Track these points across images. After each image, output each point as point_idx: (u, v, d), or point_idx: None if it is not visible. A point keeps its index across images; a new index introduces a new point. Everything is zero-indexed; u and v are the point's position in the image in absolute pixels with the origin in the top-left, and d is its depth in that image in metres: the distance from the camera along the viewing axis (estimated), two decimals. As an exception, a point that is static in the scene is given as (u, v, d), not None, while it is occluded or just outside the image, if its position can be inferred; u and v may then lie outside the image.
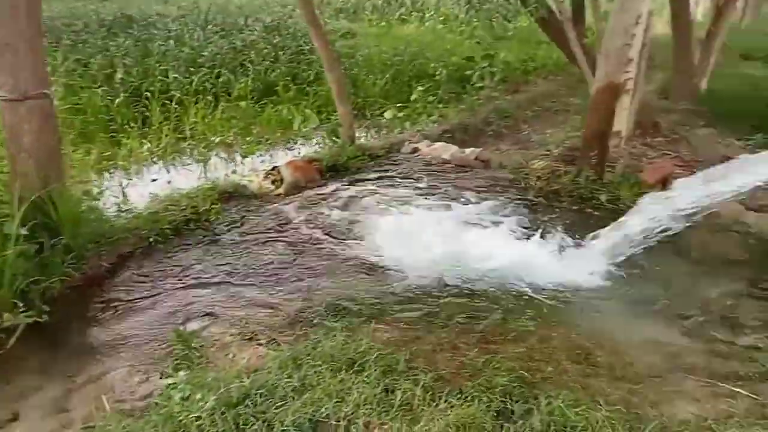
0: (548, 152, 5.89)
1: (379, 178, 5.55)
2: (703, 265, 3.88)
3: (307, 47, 9.46)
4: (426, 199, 5.02)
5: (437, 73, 8.96)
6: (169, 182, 5.48)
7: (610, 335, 3.10)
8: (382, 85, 8.70)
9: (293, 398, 2.37)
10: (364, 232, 4.33)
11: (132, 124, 6.84)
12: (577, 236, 4.09)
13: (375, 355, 2.67)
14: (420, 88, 8.40)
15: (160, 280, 3.68)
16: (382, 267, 3.83)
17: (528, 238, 4.12)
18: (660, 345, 3.04)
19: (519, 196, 5.04)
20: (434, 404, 2.41)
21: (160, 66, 8.31)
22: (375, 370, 2.57)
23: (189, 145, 6.64)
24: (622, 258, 3.77)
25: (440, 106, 8.05)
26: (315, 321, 3.13)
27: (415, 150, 6.25)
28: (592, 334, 3.09)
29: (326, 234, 4.33)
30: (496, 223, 4.45)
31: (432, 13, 15.38)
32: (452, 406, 2.39)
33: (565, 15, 6.07)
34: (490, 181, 5.41)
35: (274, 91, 8.29)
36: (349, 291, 3.50)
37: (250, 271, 3.79)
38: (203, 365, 2.73)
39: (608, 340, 3.05)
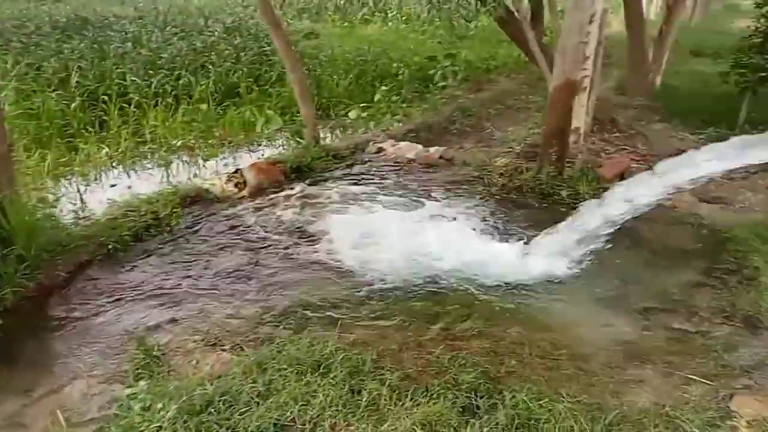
0: (510, 149, 5.98)
1: (344, 178, 5.54)
2: (659, 257, 4.00)
3: (269, 48, 9.36)
4: (390, 198, 5.03)
5: (400, 72, 9.00)
6: (129, 187, 5.35)
7: (571, 328, 3.17)
8: (345, 86, 8.68)
9: (258, 403, 2.35)
10: (328, 233, 4.32)
11: (89, 129, 6.65)
12: (538, 231, 4.16)
13: (341, 357, 2.67)
14: (383, 87, 8.43)
15: (120, 288, 3.59)
16: (347, 268, 3.82)
17: (491, 235, 4.18)
18: (620, 336, 3.12)
19: (482, 193, 5.10)
20: (401, 403, 2.42)
21: (117, 69, 8.09)
22: (341, 371, 2.57)
23: (149, 148, 6.49)
24: (582, 251, 3.86)
25: (404, 105, 8.08)
26: (280, 325, 3.11)
27: (380, 150, 6.26)
28: (555, 328, 3.16)
29: (290, 236, 4.30)
30: (459, 221, 4.49)
31: (394, 13, 15.40)
32: (418, 404, 2.41)
33: (522, 14, 6.16)
34: (455, 179, 5.46)
35: (237, 92, 8.18)
36: (315, 293, 3.49)
37: (213, 276, 3.73)
38: (165, 374, 2.67)
39: (570, 332, 3.12)
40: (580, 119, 5.33)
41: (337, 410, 2.34)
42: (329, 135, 7.17)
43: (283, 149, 6.47)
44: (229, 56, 9.21)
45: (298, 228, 4.44)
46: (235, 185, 5.07)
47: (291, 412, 2.30)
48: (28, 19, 11.70)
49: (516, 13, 6.15)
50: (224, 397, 2.36)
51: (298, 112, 6.52)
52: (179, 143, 6.58)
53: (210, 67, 8.70)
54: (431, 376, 2.63)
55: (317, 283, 3.64)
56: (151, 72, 8.17)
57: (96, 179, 5.69)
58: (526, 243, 4.04)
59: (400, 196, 5.09)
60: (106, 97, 7.21)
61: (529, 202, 4.91)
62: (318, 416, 2.31)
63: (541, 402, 2.41)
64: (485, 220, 4.52)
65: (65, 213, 4.30)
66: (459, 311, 3.28)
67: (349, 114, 7.82)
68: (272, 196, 5.04)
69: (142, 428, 2.22)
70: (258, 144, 6.93)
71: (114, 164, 6.07)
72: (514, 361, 2.79)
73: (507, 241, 4.08)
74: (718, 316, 3.22)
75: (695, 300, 3.43)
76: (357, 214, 4.65)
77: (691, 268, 3.80)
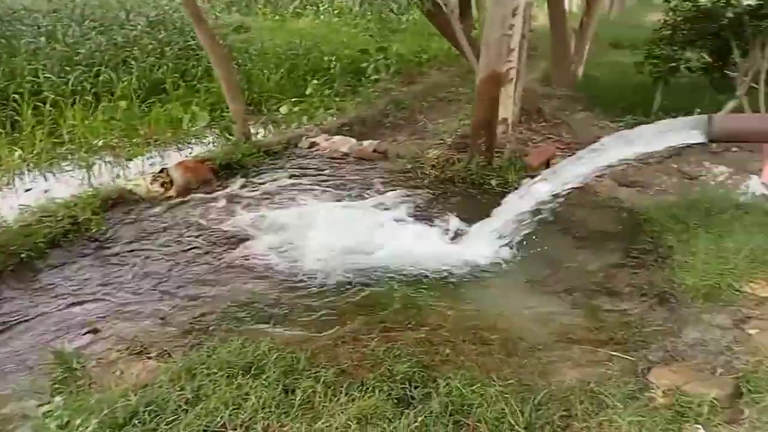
0: (442, 141, 6.07)
1: (276, 174, 5.44)
2: (584, 240, 4.18)
3: (195, 42, 9.06)
4: (323, 193, 5.00)
5: (332, 66, 8.93)
6: (46, 191, 5.03)
7: (502, 313, 3.25)
8: (277, 80, 8.53)
9: (186, 411, 2.26)
10: (259, 232, 4.23)
11: (-1, 130, 6.21)
12: (470, 220, 4.25)
13: (274, 357, 2.61)
14: (315, 81, 8.34)
15: (35, 299, 3.37)
16: (279, 266, 3.76)
17: (423, 226, 4.22)
18: (548, 318, 3.23)
19: (416, 185, 5.15)
20: (336, 399, 2.40)
21: (29, 65, 7.58)
22: (274, 371, 2.51)
23: (68, 149, 6.14)
24: (511, 238, 3.97)
25: (337, 99, 8.04)
26: (210, 329, 3.01)
27: (313, 144, 6.19)
28: (487, 314, 3.23)
29: (219, 236, 4.18)
30: (392, 213, 4.51)
31: (326, 6, 15.27)
32: (354, 399, 2.39)
33: (450, 7, 6.25)
34: (388, 172, 5.49)
35: (163, 89, 7.87)
36: (246, 294, 3.41)
37: (138, 281, 3.57)
38: (86, 387, 2.53)
39: (501, 317, 3.20)
40: (507, 110, 5.48)
41: (270, 411, 2.29)
42: (261, 131, 7.03)
43: (213, 146, 6.28)
44: (152, 51, 8.84)
45: (226, 227, 4.31)
46: (161, 185, 4.87)
47: (221, 417, 2.23)
48: (-76, 12, 10.76)
49: (444, 7, 6.23)
50: (150, 407, 2.26)
51: (228, 108, 6.34)
52: (101, 143, 6.27)
53: (132, 62, 8.32)
54: (367, 370, 2.62)
55: (248, 284, 3.55)
56: (67, 68, 7.72)
57: (8, 184, 5.32)
58: (457, 232, 4.12)
59: (333, 190, 5.06)
60: (17, 96, 6.74)
61: (461, 192, 5.01)
62: (250, 419, 2.25)
63: (474, 387, 2.45)
64: (417, 212, 4.57)
65: (-27, 221, 3.99)
66: (394, 303, 3.29)
67: (281, 109, 7.69)
68: (200, 195, 4.88)
69: (59, 447, 2.09)
70: (187, 142, 6.70)
71: (29, 167, 5.71)
72: (448, 349, 2.82)
73: (439, 232, 4.13)
74: (637, 294, 3.40)
75: (616, 280, 3.60)
76: (288, 211, 4.57)
77: (611, 250, 3.99)
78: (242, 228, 4.32)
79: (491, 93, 5.00)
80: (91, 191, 4.64)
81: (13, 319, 3.20)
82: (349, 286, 3.50)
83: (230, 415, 2.24)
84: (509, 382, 2.55)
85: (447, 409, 2.36)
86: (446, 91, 8.85)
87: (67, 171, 5.72)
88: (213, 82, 7.83)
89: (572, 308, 3.35)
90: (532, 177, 4.53)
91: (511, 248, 3.94)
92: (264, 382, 2.44)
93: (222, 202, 4.77)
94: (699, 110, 5.41)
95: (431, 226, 4.19)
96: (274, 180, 5.30)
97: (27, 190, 5.21)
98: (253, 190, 5.03)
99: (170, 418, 2.22)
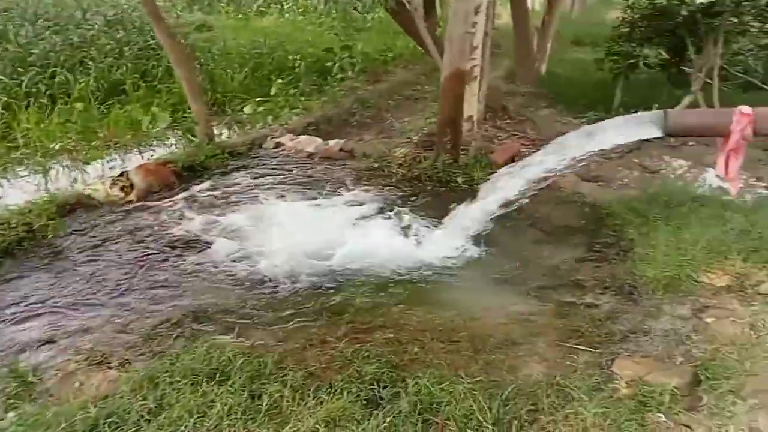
0: (409, 139, 6.08)
1: (240, 175, 5.36)
2: (549, 235, 4.24)
3: (155, 42, 8.84)
4: (288, 194, 4.94)
5: (297, 65, 8.84)
6: (-1, 198, 4.84)
7: (470, 309, 3.27)
8: (241, 80, 8.39)
9: (149, 421, 2.20)
10: (222, 235, 4.16)
11: (-54, 135, 5.95)
12: (436, 218, 4.27)
13: (240, 362, 2.56)
14: (280, 81, 8.24)
15: (-14, 311, 3.24)
16: (244, 270, 3.70)
17: (389, 225, 4.22)
18: (515, 313, 3.26)
19: (382, 184, 5.14)
20: (304, 403, 2.37)
21: (-21, 67, 7.29)
22: (240, 377, 2.47)
23: (22, 154, 5.91)
24: (478, 234, 4.00)
25: (302, 98, 7.96)
26: (173, 336, 2.94)
27: (279, 144, 6.12)
28: (454, 311, 3.24)
29: (181, 241, 4.09)
30: (359, 212, 4.49)
31: (291, 4, 15.11)
32: (322, 402, 2.37)
33: (413, 5, 6.26)
34: (355, 172, 5.46)
35: (122, 90, 7.64)
36: (210, 300, 3.33)
37: (96, 289, 3.45)
38: (42, 401, 2.44)
39: (469, 314, 3.21)
40: (472, 107, 5.51)
41: (236, 418, 2.25)
42: (225, 131, 6.90)
43: (176, 148, 6.14)
44: (111, 51, 8.56)
45: (188, 231, 4.22)
46: (121, 189, 4.74)
47: (185, 426, 2.18)
48: None
49: (407, 4, 6.24)
50: (110, 419, 2.19)
51: (190, 109, 6.21)
52: (57, 146, 6.05)
53: (90, 63, 8.04)
54: (335, 372, 2.60)
55: (212, 290, 3.48)
56: (20, 70, 7.42)
57: (-43, 192, 5.10)
58: (424, 231, 4.12)
59: (298, 191, 5.01)
60: (-34, 99, 6.49)
61: (428, 190, 5.02)
62: (215, 427, 2.20)
63: (443, 385, 2.45)
64: (385, 210, 4.56)
65: None
66: (362, 304, 3.28)
67: (245, 109, 7.57)
68: (162, 198, 4.76)
69: (14, 465, 2.01)
70: (148, 144, 6.51)
71: (-20, 173, 5.48)
72: (416, 348, 2.82)
73: (406, 230, 4.13)
74: (600, 287, 3.46)
75: (580, 274, 3.66)
76: (252, 213, 4.50)
77: (575, 245, 4.06)
78: (204, 231, 4.23)
79: (456, 90, 5.03)
80: (47, 197, 4.48)
81: (-37, 332, 3.06)
82: (316, 288, 3.47)
83: (195, 423, 2.20)
84: (477, 378, 2.56)
85: (416, 409, 2.36)
86: (412, 89, 8.87)
87: (23, 176, 5.50)
88: (174, 82, 7.65)
89: (538, 303, 3.38)
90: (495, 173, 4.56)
91: (477, 245, 3.96)
92: (230, 388, 2.40)
93: (184, 205, 4.66)
94: (657, 105, 5.54)
95: (398, 225, 4.19)
96: (239, 181, 5.21)
97: (-22, 198, 4.99)
98: (216, 192, 4.93)
99: (132, 429, 2.16)
